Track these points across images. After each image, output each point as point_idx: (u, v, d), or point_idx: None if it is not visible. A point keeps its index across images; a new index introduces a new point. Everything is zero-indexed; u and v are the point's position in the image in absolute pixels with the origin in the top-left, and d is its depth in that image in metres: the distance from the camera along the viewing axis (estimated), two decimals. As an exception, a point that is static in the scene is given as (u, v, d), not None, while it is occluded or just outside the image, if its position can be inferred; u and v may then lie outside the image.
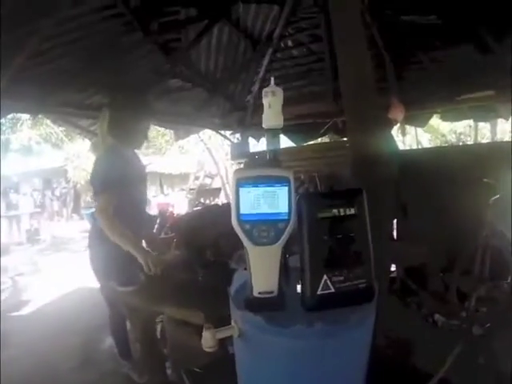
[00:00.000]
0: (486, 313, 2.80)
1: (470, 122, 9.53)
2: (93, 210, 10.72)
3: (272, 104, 0.99)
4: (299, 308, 1.01)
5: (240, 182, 0.92)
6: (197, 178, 10.74)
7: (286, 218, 0.95)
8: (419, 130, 10.35)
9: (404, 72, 4.07)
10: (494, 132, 11.25)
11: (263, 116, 1.00)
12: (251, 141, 5.78)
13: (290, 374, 0.99)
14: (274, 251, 0.97)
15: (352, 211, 1.01)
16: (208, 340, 0.95)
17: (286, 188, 0.93)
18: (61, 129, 11.48)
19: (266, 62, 4.19)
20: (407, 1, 3.16)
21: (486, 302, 2.89)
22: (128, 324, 2.34)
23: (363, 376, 1.08)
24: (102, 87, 3.42)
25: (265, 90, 0.99)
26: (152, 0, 2.76)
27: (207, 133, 9.56)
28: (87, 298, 4.29)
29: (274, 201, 0.94)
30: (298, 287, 1.04)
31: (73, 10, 2.39)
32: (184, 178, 13.24)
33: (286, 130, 5.33)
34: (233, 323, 1.01)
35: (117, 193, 1.91)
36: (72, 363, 2.78)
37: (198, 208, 5.26)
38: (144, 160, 3.43)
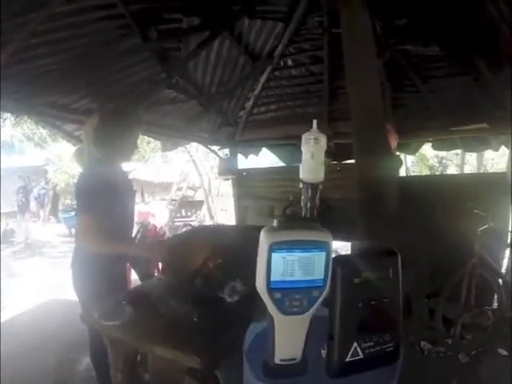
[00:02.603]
0: (471, 340, 2.86)
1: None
2: (72, 213, 10.25)
3: (315, 154, 0.91)
4: (320, 372, 0.93)
5: (274, 247, 0.78)
6: (179, 189, 10.44)
7: (321, 284, 0.84)
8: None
9: (400, 100, 4.02)
10: (480, 160, 11.64)
11: (302, 166, 0.93)
12: (240, 157, 5.59)
13: None
14: (304, 320, 0.86)
15: (387, 274, 0.93)
16: None
17: (324, 253, 0.81)
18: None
19: (263, 79, 4.05)
20: (412, 31, 3.09)
21: (472, 328, 2.98)
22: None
23: None
24: (92, 92, 3.19)
25: (306, 136, 0.92)
26: (154, 4, 2.55)
27: (194, 144, 9.36)
28: (63, 311, 4.08)
29: (309, 267, 0.81)
30: (323, 352, 0.95)
31: (67, 6, 2.17)
32: (166, 187, 12.92)
33: (277, 149, 5.22)
34: None
35: (101, 213, 1.78)
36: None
37: (186, 229, 4.99)
38: (127, 166, 3.23)
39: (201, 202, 10.55)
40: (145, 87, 3.37)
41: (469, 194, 3.65)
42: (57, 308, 4.14)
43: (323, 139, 0.87)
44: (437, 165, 14.22)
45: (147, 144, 11.54)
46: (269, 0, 2.91)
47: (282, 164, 5.65)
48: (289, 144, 5.05)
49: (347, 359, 0.90)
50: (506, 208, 3.64)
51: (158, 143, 11.82)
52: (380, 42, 2.62)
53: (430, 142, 4.71)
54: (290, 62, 4.00)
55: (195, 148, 10.09)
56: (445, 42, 3.16)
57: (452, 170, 14.83)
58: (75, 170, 12.43)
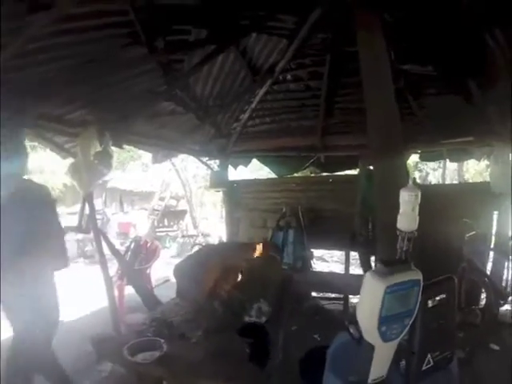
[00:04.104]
0: (463, 337, 3.00)
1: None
2: None
3: (415, 207, 1.00)
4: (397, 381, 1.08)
5: (387, 290, 0.90)
6: (162, 199, 10.21)
7: (412, 313, 0.98)
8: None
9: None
10: (460, 169, 12.26)
11: (401, 217, 1.01)
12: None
13: None
14: (395, 343, 0.99)
15: (448, 297, 1.08)
16: None
17: (418, 288, 0.96)
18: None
19: (262, 92, 4.06)
20: (409, 51, 3.19)
21: (463, 326, 3.14)
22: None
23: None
24: (89, 103, 3.04)
25: (407, 191, 1.00)
26: (164, 15, 2.46)
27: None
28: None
29: (406, 300, 0.95)
30: (402, 365, 1.09)
31: (74, 9, 2.00)
32: (145, 196, 12.61)
33: (270, 161, 5.23)
34: None
35: None
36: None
37: (195, 249, 4.86)
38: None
39: (184, 212, 10.39)
40: (144, 99, 3.26)
41: (457, 202, 3.88)
42: None
43: (419, 194, 1.01)
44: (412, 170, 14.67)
45: (128, 152, 11.21)
46: (278, 17, 2.89)
47: (273, 175, 5.65)
48: (282, 156, 5.08)
49: (423, 368, 1.06)
50: (490, 215, 3.96)
51: (137, 151, 11.54)
52: (394, 67, 2.67)
53: (417, 153, 4.91)
54: (289, 77, 4.04)
55: (180, 158, 9.91)
56: (439, 63, 3.28)
57: (431, 176, 15.47)
58: (57, 182, 11.89)
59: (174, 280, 5.48)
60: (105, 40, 2.45)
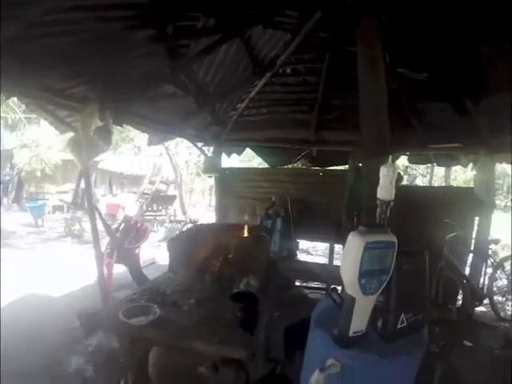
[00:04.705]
0: (439, 333, 3.20)
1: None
2: (39, 203, 9.70)
3: (392, 180, 1.21)
4: (375, 339, 1.24)
5: (367, 246, 1.07)
6: (152, 183, 10.23)
7: (388, 271, 1.14)
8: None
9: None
10: (447, 174, 12.63)
11: (381, 188, 1.22)
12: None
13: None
14: (373, 298, 1.17)
15: (419, 267, 1.29)
16: (319, 380, 1.09)
17: (393, 250, 1.14)
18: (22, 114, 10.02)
19: (261, 84, 4.18)
20: (406, 56, 3.35)
21: (439, 323, 3.33)
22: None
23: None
24: (92, 80, 3.10)
25: (386, 168, 1.22)
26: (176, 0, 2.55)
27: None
28: (42, 306, 3.87)
29: (383, 259, 1.13)
30: (379, 323, 1.26)
31: None
32: (135, 179, 12.58)
33: (263, 151, 5.36)
34: (332, 361, 1.12)
35: None
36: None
37: (187, 228, 4.96)
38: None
39: (173, 197, 10.43)
40: (148, 81, 3.34)
41: (441, 204, 4.09)
42: (35, 304, 3.96)
43: (396, 170, 1.22)
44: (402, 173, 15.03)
45: (119, 133, 11.15)
46: (284, 12, 3.01)
47: (265, 165, 5.81)
48: (274, 147, 5.23)
49: (398, 326, 1.22)
50: (472, 219, 4.16)
51: (129, 133, 11.50)
52: (388, 72, 2.83)
53: (406, 155, 5.12)
54: (288, 71, 4.16)
55: (175, 142, 9.93)
56: (434, 71, 3.44)
57: (419, 180, 15.87)
58: (52, 157, 11.72)
59: (159, 262, 5.62)
60: (116, 20, 2.53)
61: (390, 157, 2.72)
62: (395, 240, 1.13)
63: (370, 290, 1.10)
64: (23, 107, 9.04)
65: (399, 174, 3.85)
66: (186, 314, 1.93)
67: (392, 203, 1.18)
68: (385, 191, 1.19)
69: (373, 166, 2.33)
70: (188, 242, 2.48)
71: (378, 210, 1.17)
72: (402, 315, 1.20)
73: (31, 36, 2.31)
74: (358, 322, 1.15)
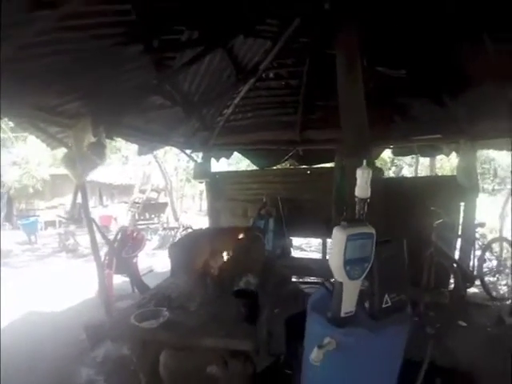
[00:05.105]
0: (434, 316, 3.39)
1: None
2: (31, 219, 9.59)
3: (367, 181, 1.41)
4: (364, 319, 1.43)
5: (349, 238, 1.27)
6: (142, 192, 10.27)
7: (370, 259, 1.33)
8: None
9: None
10: (432, 163, 13.01)
11: (358, 187, 1.42)
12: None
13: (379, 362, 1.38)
14: (359, 283, 1.35)
15: (398, 254, 1.49)
16: (319, 356, 1.26)
17: (371, 240, 1.33)
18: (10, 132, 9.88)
19: (245, 89, 4.32)
20: (384, 55, 3.52)
21: (433, 306, 3.52)
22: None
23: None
24: (84, 96, 3.19)
25: (362, 170, 1.42)
26: (161, 16, 2.68)
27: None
28: (44, 323, 3.85)
29: (364, 248, 1.31)
30: (366, 304, 1.45)
31: (80, 7, 2.16)
32: (125, 189, 12.57)
33: (251, 153, 5.49)
34: (328, 339, 1.30)
35: None
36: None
37: (185, 234, 5.05)
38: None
39: (164, 204, 10.50)
40: (136, 93, 3.45)
41: (427, 193, 4.28)
42: (35, 322, 3.96)
43: (370, 171, 1.41)
44: (389, 165, 15.37)
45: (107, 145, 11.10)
46: (264, 20, 3.16)
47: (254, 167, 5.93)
48: (262, 149, 5.37)
49: (383, 306, 1.40)
50: (457, 205, 4.37)
51: (116, 144, 11.50)
52: (366, 73, 2.99)
53: (390, 148, 5.31)
54: (271, 75, 4.33)
55: (163, 150, 9.99)
56: (413, 67, 3.62)
57: (406, 170, 16.21)
58: (44, 173, 11.61)
59: (157, 270, 5.69)
60: (105, 37, 2.65)
61: (367, 157, 2.86)
62: (374, 231, 1.31)
63: (354, 275, 1.28)
64: (10, 125, 8.97)
65: (380, 168, 4.01)
66: (193, 315, 2.07)
67: (369, 200, 1.37)
68: (361, 190, 1.39)
69: (353, 165, 2.53)
70: (188, 247, 2.61)
71: (357, 206, 1.35)
72: (386, 296, 1.39)
73: (26, 55, 2.42)
74: (348, 304, 1.33)
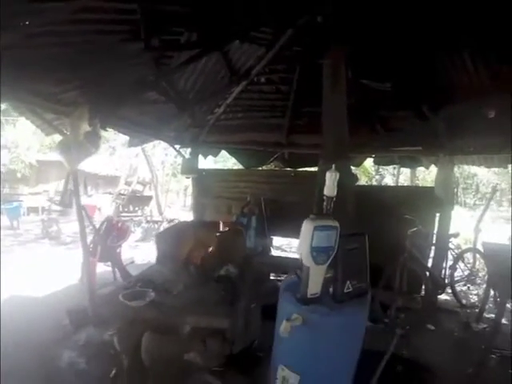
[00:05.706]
0: (404, 318, 3.60)
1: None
2: (14, 204, 9.50)
3: (334, 182, 1.68)
4: (328, 301, 1.66)
5: (316, 228, 1.52)
6: (128, 184, 10.30)
7: (334, 248, 1.57)
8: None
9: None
10: (413, 174, 13.46)
11: (327, 188, 1.69)
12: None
13: (335, 340, 1.60)
14: (324, 268, 1.59)
15: (360, 247, 1.73)
16: (287, 327, 1.47)
17: (336, 231, 1.57)
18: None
19: (237, 91, 4.51)
20: (370, 68, 3.76)
21: (404, 310, 3.72)
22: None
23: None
24: (83, 86, 3.32)
25: (331, 173, 1.67)
26: (163, 17, 2.85)
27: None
28: (27, 307, 3.89)
29: (329, 238, 1.55)
30: (330, 289, 1.69)
31: (89, 2, 2.37)
32: (110, 180, 12.55)
33: (238, 153, 5.68)
34: (296, 315, 1.53)
35: None
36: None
37: (171, 224, 5.16)
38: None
39: (149, 198, 10.56)
40: (133, 87, 3.60)
41: (403, 202, 4.53)
42: (20, 305, 3.99)
43: (337, 174, 1.66)
44: (373, 173, 15.83)
45: (95, 134, 11.04)
46: (260, 28, 3.37)
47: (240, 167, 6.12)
48: (249, 149, 5.56)
49: (345, 290, 1.64)
50: (433, 215, 4.61)
51: (105, 134, 11.48)
52: (351, 85, 3.22)
53: (372, 157, 5.58)
54: (263, 80, 4.55)
55: (152, 143, 10.06)
56: (396, 81, 3.87)
57: (388, 179, 16.72)
58: (33, 158, 11.43)
59: (138, 262, 5.78)
60: (109, 33, 2.84)
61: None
62: (338, 225, 1.55)
63: (320, 261, 1.51)
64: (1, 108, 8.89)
65: (355, 175, 4.20)
66: (177, 297, 2.25)
67: (334, 198, 1.61)
68: (329, 190, 1.64)
69: (327, 169, 2.75)
70: (174, 237, 2.79)
71: (325, 203, 1.58)
72: (348, 282, 1.62)
73: (33, 44, 2.56)
74: (314, 286, 1.56)
